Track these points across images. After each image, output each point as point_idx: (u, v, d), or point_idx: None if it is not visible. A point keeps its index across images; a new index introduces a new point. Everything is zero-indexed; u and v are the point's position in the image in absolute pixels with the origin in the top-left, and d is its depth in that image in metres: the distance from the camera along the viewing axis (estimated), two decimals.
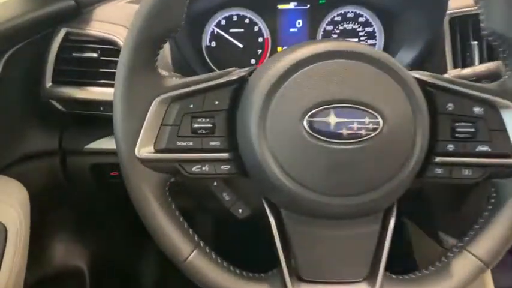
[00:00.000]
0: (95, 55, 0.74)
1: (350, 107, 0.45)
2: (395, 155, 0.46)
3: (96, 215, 0.94)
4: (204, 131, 0.49)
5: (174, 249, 0.49)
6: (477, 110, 0.49)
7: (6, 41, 0.67)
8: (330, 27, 0.84)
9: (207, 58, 0.84)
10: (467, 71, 0.63)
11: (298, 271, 0.50)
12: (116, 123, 0.47)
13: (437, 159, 0.50)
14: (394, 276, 0.51)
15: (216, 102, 0.49)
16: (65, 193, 0.84)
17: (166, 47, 0.75)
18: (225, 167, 0.49)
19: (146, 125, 0.47)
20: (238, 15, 0.83)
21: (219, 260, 0.50)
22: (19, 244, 0.65)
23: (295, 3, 0.83)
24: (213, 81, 0.49)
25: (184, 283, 0.54)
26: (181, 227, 0.49)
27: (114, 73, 0.48)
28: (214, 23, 0.83)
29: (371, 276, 0.50)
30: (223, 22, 0.83)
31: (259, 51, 0.84)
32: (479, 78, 0.62)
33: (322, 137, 0.45)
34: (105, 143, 0.78)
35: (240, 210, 0.60)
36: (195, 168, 0.49)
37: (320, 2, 0.83)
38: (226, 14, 0.83)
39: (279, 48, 0.85)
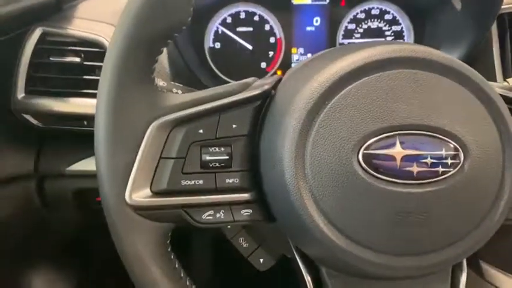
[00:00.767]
0: (77, 59, 0.62)
1: (422, 134, 0.33)
2: (481, 197, 0.34)
3: (79, 244, 0.82)
4: (218, 165, 0.37)
5: None
6: None
7: None
8: (352, 26, 0.73)
9: (210, 62, 0.72)
10: None
11: None
12: (99, 158, 0.35)
13: None
14: None
15: (234, 126, 0.37)
16: (43, 221, 0.72)
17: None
18: (246, 212, 0.38)
19: (140, 159, 0.35)
20: (246, 11, 0.71)
21: None
22: None
23: None
24: (229, 98, 0.37)
25: None
26: None
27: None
28: (219, 20, 0.71)
29: None
30: (229, 20, 0.71)
31: (271, 53, 0.72)
32: None
33: (383, 177, 0.33)
34: (90, 165, 0.65)
35: (262, 260, 0.47)
36: (207, 216, 0.37)
37: None
38: (233, 11, 0.71)
39: (294, 50, 0.73)
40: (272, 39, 0.72)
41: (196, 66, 0.68)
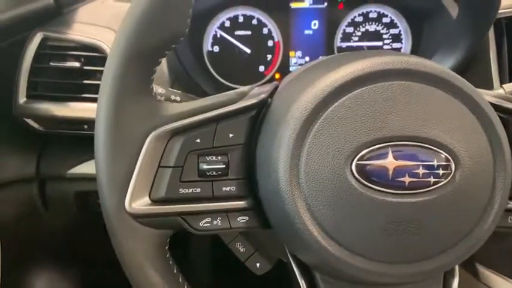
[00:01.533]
0: (77, 64, 0.63)
1: (414, 145, 0.34)
2: (471, 207, 0.35)
3: (80, 247, 0.83)
4: (215, 173, 0.38)
5: None
6: None
7: None
8: (350, 29, 0.73)
9: (208, 65, 0.72)
10: None
11: None
12: (99, 166, 0.36)
13: None
14: None
15: (231, 135, 0.38)
16: (44, 223, 0.73)
17: None
18: (243, 219, 0.39)
19: (139, 168, 0.36)
20: (244, 15, 0.72)
21: None
22: None
23: (311, 2, 0.72)
24: (226, 108, 0.38)
25: None
26: None
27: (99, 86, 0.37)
28: (217, 24, 0.72)
29: None
30: (227, 23, 0.72)
31: (269, 56, 0.73)
32: None
33: (376, 187, 0.34)
34: (90, 168, 0.66)
35: (258, 265, 0.48)
36: (204, 223, 0.38)
37: (339, 0, 0.72)
38: (231, 15, 0.71)
39: (292, 53, 0.73)
40: (270, 43, 0.73)
41: (195, 70, 0.68)
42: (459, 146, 0.34)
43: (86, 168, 0.67)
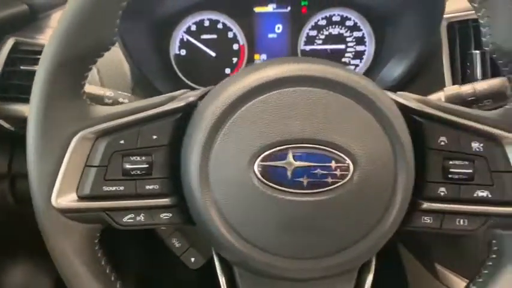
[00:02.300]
0: None
1: (312, 147, 0.36)
2: (371, 206, 0.37)
3: None
4: (138, 172, 0.40)
5: None
6: (476, 145, 0.40)
7: None
8: (313, 33, 0.75)
9: (176, 69, 0.75)
10: (466, 88, 0.54)
11: None
12: (29, 165, 0.39)
13: (426, 205, 0.41)
14: None
15: (154, 137, 0.41)
16: (18, 217, 0.77)
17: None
18: (166, 216, 0.41)
19: (66, 166, 0.39)
20: (210, 19, 0.74)
21: None
22: None
23: (274, 6, 0.74)
24: (149, 111, 0.40)
25: None
26: None
27: None
28: (184, 28, 0.74)
29: None
30: (193, 28, 0.74)
31: (235, 59, 0.75)
32: (480, 98, 0.53)
33: (277, 186, 0.36)
34: None
35: (193, 259, 0.51)
36: (128, 218, 0.41)
37: (302, 3, 0.74)
38: (197, 19, 0.74)
39: (256, 56, 0.76)
40: (235, 46, 0.75)
41: (160, 73, 0.71)
42: (357, 148, 0.36)
43: None
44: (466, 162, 0.40)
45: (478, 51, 0.62)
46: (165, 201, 0.41)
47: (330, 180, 0.36)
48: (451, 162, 0.40)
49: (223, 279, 0.41)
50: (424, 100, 0.42)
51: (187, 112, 0.42)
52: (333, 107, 0.36)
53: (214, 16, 0.74)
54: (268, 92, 0.37)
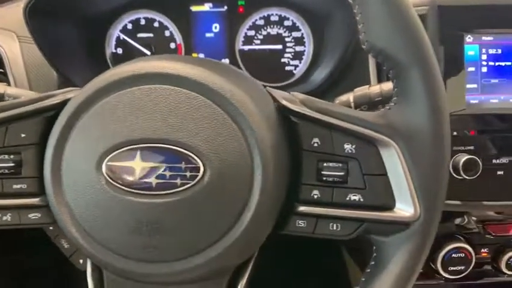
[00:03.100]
0: None
1: (162, 147, 0.35)
2: (224, 208, 0.35)
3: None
4: (6, 171, 0.40)
5: None
6: (348, 147, 0.38)
7: None
8: (251, 32, 0.74)
9: (111, 67, 0.74)
10: (374, 88, 0.52)
11: None
12: None
13: (301, 208, 0.39)
14: None
15: (22, 135, 0.40)
16: None
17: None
18: (34, 216, 0.40)
19: None
20: (146, 18, 0.73)
21: None
22: None
23: (211, 5, 0.73)
24: (15, 110, 0.40)
25: None
26: None
27: None
28: (120, 27, 0.74)
29: None
30: (129, 26, 0.74)
31: None
32: (386, 98, 0.51)
33: (124, 188, 0.35)
34: None
35: (81, 261, 0.50)
36: None
37: (239, 3, 0.73)
38: (133, 17, 0.73)
39: (194, 55, 0.75)
40: (172, 45, 0.74)
41: (90, 73, 0.70)
42: (208, 148, 0.35)
43: None
44: (339, 164, 0.38)
45: None
46: (33, 201, 0.40)
47: (179, 181, 0.34)
48: (324, 164, 0.38)
49: (91, 281, 0.40)
50: (308, 100, 0.40)
51: (59, 110, 0.41)
52: (185, 105, 0.35)
53: (150, 15, 0.73)
54: (119, 90, 0.36)
